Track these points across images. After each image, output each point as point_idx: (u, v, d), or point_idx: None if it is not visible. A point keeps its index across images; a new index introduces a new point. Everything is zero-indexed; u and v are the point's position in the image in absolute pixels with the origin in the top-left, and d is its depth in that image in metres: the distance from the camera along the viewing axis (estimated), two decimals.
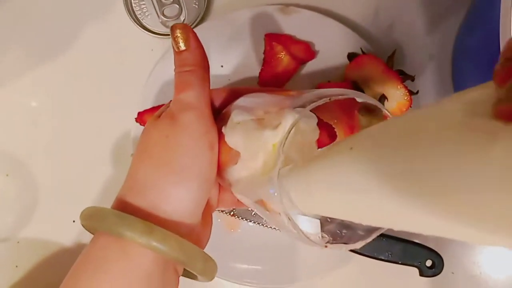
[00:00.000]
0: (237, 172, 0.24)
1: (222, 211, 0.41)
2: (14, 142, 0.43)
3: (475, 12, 0.37)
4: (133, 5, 0.42)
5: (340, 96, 0.21)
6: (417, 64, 0.43)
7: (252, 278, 0.40)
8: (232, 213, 0.41)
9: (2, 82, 0.43)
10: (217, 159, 0.25)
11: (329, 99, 0.20)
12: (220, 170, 0.26)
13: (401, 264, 0.39)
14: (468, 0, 0.42)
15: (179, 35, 0.25)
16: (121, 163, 0.43)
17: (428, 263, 0.39)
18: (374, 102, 0.22)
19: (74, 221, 0.42)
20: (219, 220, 0.42)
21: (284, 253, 0.41)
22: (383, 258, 0.39)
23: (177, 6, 0.42)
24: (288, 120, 0.21)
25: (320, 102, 0.20)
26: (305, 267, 0.40)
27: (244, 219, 0.41)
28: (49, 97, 0.43)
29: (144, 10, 0.42)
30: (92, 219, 0.23)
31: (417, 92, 0.39)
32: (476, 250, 0.43)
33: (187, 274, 0.26)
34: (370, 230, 0.24)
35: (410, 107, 0.37)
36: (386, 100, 0.36)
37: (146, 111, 0.39)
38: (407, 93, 0.37)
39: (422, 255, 0.39)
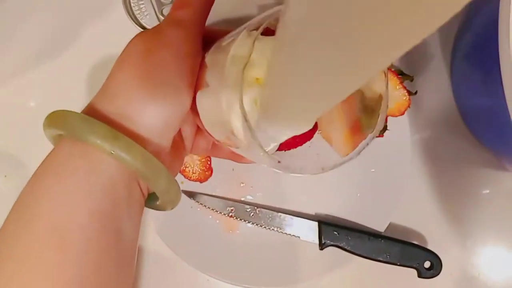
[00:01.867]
0: (204, 96, 0.23)
1: (220, 212, 0.41)
2: (13, 143, 0.43)
3: (474, 12, 0.37)
4: (132, 5, 0.42)
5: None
6: (416, 64, 0.43)
7: (250, 280, 0.40)
8: (230, 214, 0.41)
9: (2, 82, 0.43)
10: (194, 84, 0.24)
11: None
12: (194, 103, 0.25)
13: (399, 265, 0.39)
14: None
15: None
16: None
17: (427, 264, 0.39)
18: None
19: None
20: (217, 221, 0.41)
21: (283, 254, 0.41)
22: (381, 259, 0.39)
23: None
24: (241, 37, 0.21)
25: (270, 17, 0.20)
26: (304, 268, 0.40)
27: (242, 220, 0.41)
28: (48, 97, 0.43)
29: (143, 10, 0.42)
30: (55, 122, 0.22)
31: (416, 92, 0.39)
32: (474, 252, 0.42)
33: (150, 204, 0.26)
34: None
35: (409, 107, 0.37)
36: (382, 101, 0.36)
37: None
38: (406, 93, 0.37)
39: (420, 257, 0.39)
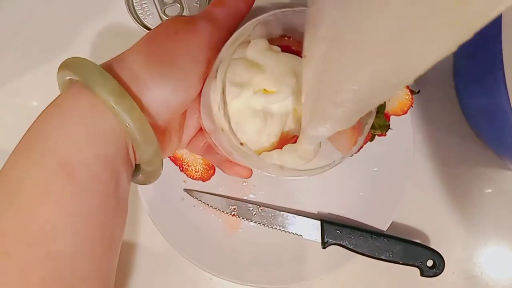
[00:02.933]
0: (205, 85, 0.24)
1: (223, 211, 0.41)
2: (15, 143, 0.43)
3: None
4: (135, 4, 0.42)
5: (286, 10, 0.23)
6: None
7: (253, 278, 0.40)
8: (233, 213, 0.41)
9: (3, 82, 0.43)
10: (204, 80, 0.25)
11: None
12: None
13: (402, 264, 0.39)
14: None
15: None
16: None
17: (429, 263, 0.39)
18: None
19: None
20: (220, 220, 0.42)
21: (286, 252, 0.41)
22: (384, 258, 0.39)
23: (179, 6, 0.42)
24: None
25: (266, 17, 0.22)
26: (306, 267, 0.40)
27: (245, 219, 0.41)
28: (50, 97, 0.43)
29: (146, 10, 0.42)
30: (72, 66, 0.23)
31: (419, 91, 0.39)
32: (477, 251, 0.42)
33: (133, 177, 0.26)
34: None
35: (412, 106, 0.37)
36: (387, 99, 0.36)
37: None
38: (409, 92, 0.37)
39: (423, 255, 0.39)
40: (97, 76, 0.22)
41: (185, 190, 0.41)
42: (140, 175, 0.26)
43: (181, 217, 0.41)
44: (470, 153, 0.43)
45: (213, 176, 0.40)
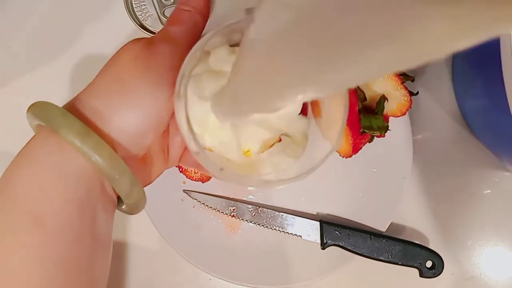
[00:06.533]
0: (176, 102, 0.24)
1: (222, 211, 0.41)
2: (15, 143, 0.43)
3: None
4: (134, 6, 0.42)
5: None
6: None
7: (252, 279, 0.40)
8: (232, 214, 0.41)
9: (2, 82, 0.43)
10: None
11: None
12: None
13: (401, 265, 0.39)
14: None
15: None
16: None
17: (428, 264, 0.39)
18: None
19: None
20: (219, 221, 0.42)
21: (285, 253, 0.41)
22: (383, 259, 0.39)
23: None
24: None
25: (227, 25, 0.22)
26: (305, 268, 0.40)
27: (244, 220, 0.41)
28: (49, 98, 0.43)
29: (145, 11, 0.42)
30: (36, 112, 0.23)
31: (417, 93, 0.39)
32: (476, 251, 0.43)
33: (118, 206, 0.26)
34: None
35: (410, 108, 0.37)
36: (386, 101, 0.36)
37: None
38: (407, 94, 0.37)
39: (422, 256, 0.39)
40: (61, 118, 0.22)
41: (185, 191, 0.41)
42: (124, 206, 0.26)
43: (180, 218, 0.41)
44: (468, 154, 0.43)
45: (212, 177, 0.40)
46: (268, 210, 0.41)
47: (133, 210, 0.26)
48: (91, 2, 0.43)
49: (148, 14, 0.42)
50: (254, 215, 0.41)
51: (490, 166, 0.43)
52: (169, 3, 0.42)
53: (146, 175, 0.27)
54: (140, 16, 0.42)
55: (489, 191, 0.43)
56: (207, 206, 0.41)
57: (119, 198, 0.25)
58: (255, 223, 0.41)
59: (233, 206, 0.41)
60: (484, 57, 0.34)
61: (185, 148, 0.29)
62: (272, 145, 0.25)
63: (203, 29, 0.26)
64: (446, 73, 0.43)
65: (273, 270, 0.41)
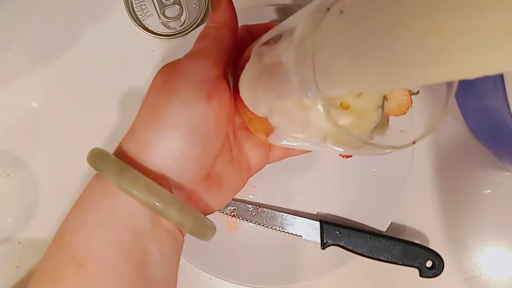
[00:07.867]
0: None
1: (222, 211, 0.41)
2: (15, 142, 0.43)
3: None
4: (134, 5, 0.42)
5: None
6: None
7: (252, 279, 0.40)
8: (232, 213, 0.41)
9: (2, 82, 0.43)
10: (218, 112, 0.23)
11: None
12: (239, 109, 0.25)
13: (401, 264, 0.39)
14: None
15: None
16: None
17: (428, 264, 0.39)
18: None
19: None
20: (219, 220, 0.42)
21: (285, 253, 0.41)
22: (383, 258, 0.39)
23: (178, 7, 0.42)
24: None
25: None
26: (306, 268, 0.40)
27: (244, 219, 0.41)
28: (49, 97, 0.43)
29: (145, 11, 0.42)
30: (88, 159, 0.23)
31: (418, 92, 0.39)
32: (476, 251, 0.43)
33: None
34: None
35: (411, 107, 0.37)
36: (386, 100, 0.36)
37: None
38: (408, 94, 0.37)
39: (422, 256, 0.39)
40: (101, 162, 0.22)
41: None
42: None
43: None
44: (468, 154, 0.43)
45: None
46: (268, 210, 0.41)
47: (202, 236, 0.25)
48: (91, 2, 0.43)
49: (148, 14, 0.42)
50: (254, 215, 0.41)
51: (490, 166, 0.43)
52: (169, 3, 0.42)
53: (216, 196, 0.26)
54: (141, 16, 0.42)
55: (489, 191, 0.43)
56: None
57: None
58: (255, 223, 0.41)
59: (233, 206, 0.41)
60: None
61: (271, 148, 0.29)
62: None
63: (231, 41, 0.26)
64: None
65: (273, 270, 0.41)
